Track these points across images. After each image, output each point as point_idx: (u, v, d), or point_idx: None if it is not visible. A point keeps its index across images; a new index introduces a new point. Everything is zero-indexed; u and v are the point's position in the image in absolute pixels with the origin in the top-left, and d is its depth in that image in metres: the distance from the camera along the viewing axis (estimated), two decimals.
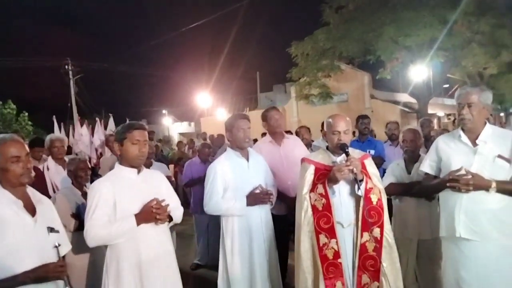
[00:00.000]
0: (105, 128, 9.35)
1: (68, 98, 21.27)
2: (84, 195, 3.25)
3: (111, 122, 9.26)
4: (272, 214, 3.11)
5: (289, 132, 7.36)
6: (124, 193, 2.33)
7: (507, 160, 2.37)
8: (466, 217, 2.37)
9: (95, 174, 4.43)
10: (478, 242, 2.35)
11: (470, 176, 2.31)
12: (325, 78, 15.94)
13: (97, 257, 3.00)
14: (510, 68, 14.58)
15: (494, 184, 2.30)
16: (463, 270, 2.39)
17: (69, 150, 8.21)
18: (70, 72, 21.68)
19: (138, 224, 2.27)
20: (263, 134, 5.55)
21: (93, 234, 2.23)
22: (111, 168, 2.51)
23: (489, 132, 2.44)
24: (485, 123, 2.47)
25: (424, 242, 3.15)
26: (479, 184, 2.31)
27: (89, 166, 3.43)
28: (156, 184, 2.51)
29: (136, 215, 2.28)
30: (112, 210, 2.28)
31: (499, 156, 2.38)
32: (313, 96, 16.30)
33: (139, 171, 2.44)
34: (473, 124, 2.43)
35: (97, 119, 9.54)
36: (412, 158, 3.27)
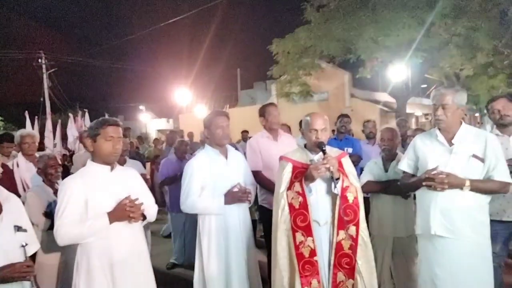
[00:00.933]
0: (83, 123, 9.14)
1: (41, 92, 20.67)
2: (56, 192, 3.15)
3: (86, 117, 9.04)
4: (265, 208, 3.08)
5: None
6: (96, 190, 2.26)
7: (481, 160, 2.41)
8: (441, 215, 2.41)
9: (67, 171, 4.30)
10: (452, 239, 2.39)
11: (445, 175, 2.34)
12: (306, 76, 16.04)
13: (68, 256, 2.91)
14: (485, 70, 15.01)
15: (468, 183, 2.34)
16: (437, 266, 2.42)
17: (43, 147, 7.99)
18: (44, 66, 21.06)
19: (111, 222, 2.21)
20: (244, 132, 5.51)
21: (63, 233, 2.16)
22: (84, 165, 2.44)
23: (464, 132, 2.49)
24: (461, 123, 2.51)
25: (399, 239, 3.20)
26: (454, 183, 2.35)
27: (59, 163, 3.31)
28: (129, 182, 2.44)
29: (108, 213, 2.21)
30: (84, 208, 2.21)
31: (474, 156, 2.42)
32: (294, 94, 16.37)
33: (112, 168, 2.37)
34: (448, 125, 2.47)
35: (70, 115, 9.30)
36: (389, 157, 3.32)
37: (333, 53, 14.37)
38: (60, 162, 3.37)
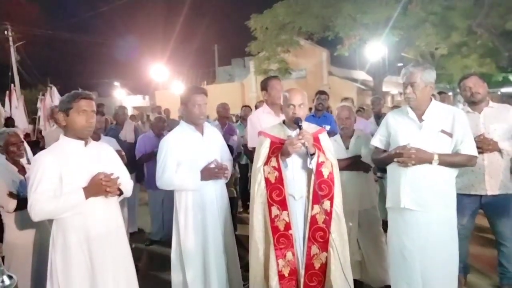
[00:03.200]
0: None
1: (9, 66, 19.70)
2: (21, 171, 3.06)
3: (55, 93, 8.71)
4: None
5: (248, 107, 7.31)
6: (70, 165, 2.21)
7: (449, 135, 2.49)
8: (410, 189, 2.49)
9: (39, 148, 4.16)
10: (421, 212, 2.48)
11: (414, 150, 2.41)
12: (284, 53, 15.95)
13: (43, 234, 2.87)
14: (459, 50, 15.30)
15: (436, 157, 2.42)
16: (406, 238, 2.52)
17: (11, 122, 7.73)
18: (10, 38, 20.02)
19: (86, 197, 2.17)
20: (220, 118, 5.41)
21: (38, 208, 2.11)
22: (56, 141, 2.37)
23: (434, 108, 2.55)
24: (431, 100, 2.58)
25: (365, 211, 3.32)
26: (423, 158, 2.43)
27: (21, 139, 3.16)
28: (104, 157, 2.40)
29: (84, 188, 2.18)
30: (58, 183, 2.17)
31: (442, 131, 2.50)
32: (272, 71, 16.30)
33: (86, 143, 2.32)
34: (417, 102, 2.53)
35: (50, 86, 8.96)
36: (348, 134, 3.40)
37: (312, 30, 14.33)
38: (22, 139, 3.20)
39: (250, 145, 3.59)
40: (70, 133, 2.28)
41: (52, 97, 8.59)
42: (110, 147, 2.56)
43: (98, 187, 2.19)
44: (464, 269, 3.23)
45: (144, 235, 5.29)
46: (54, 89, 8.76)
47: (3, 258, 2.00)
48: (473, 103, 3.15)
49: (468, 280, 3.39)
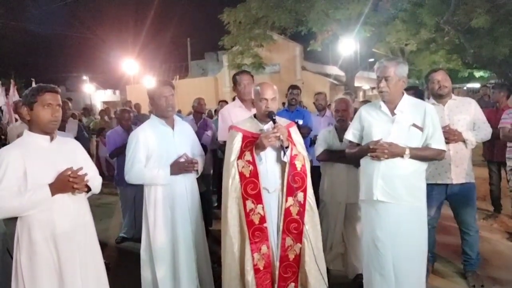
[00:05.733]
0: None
1: None
2: None
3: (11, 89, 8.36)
4: None
5: (225, 102, 7.26)
6: (35, 161, 2.12)
7: (420, 129, 2.55)
8: (382, 181, 2.54)
9: (2, 145, 3.98)
10: (392, 204, 2.53)
11: (387, 145, 2.46)
12: (257, 47, 15.93)
13: (7, 231, 2.75)
14: (427, 46, 15.76)
15: (407, 151, 2.48)
16: (378, 229, 2.57)
17: None
18: None
19: (53, 194, 2.09)
20: (195, 113, 5.34)
21: (1, 205, 2.02)
22: (20, 136, 2.27)
23: (406, 102, 2.60)
24: (403, 94, 2.62)
25: (351, 205, 3.36)
26: (395, 152, 2.48)
27: None
28: (71, 152, 2.32)
29: (50, 185, 2.10)
30: (22, 179, 2.07)
31: (414, 125, 2.55)
32: (246, 66, 16.25)
33: (52, 139, 2.23)
34: (390, 96, 2.57)
35: (12, 81, 8.57)
36: (343, 127, 3.40)
37: (285, 25, 14.37)
38: None
39: (220, 138, 3.59)
40: (35, 127, 2.19)
41: (13, 92, 8.25)
42: (77, 142, 2.48)
43: (64, 183, 2.12)
44: (431, 257, 3.34)
45: (114, 233, 5.17)
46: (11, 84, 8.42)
47: None
48: (439, 96, 3.24)
49: (434, 268, 3.51)
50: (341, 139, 3.37)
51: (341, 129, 3.41)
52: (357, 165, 3.27)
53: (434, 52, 16.52)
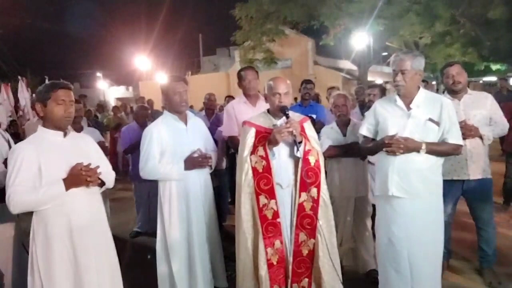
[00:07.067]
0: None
1: None
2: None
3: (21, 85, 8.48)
4: None
5: (232, 97, 7.25)
6: (49, 156, 2.15)
7: (437, 123, 2.50)
8: (398, 176, 2.50)
9: (18, 140, 4.04)
10: (408, 199, 2.50)
11: (403, 140, 2.42)
12: (269, 42, 15.87)
13: (23, 226, 2.79)
14: (443, 39, 15.46)
15: (424, 146, 2.44)
16: (394, 225, 2.54)
17: None
18: None
19: (67, 189, 2.12)
20: (207, 109, 5.36)
21: (17, 200, 2.05)
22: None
23: (422, 96, 2.55)
24: (419, 88, 2.58)
25: (360, 199, 3.36)
26: (411, 146, 2.44)
27: None
28: (84, 148, 2.35)
29: (64, 180, 2.12)
30: (37, 175, 2.10)
31: (430, 120, 2.50)
32: (258, 61, 16.21)
33: (65, 134, 2.26)
34: (406, 90, 2.53)
35: (19, 77, 8.70)
36: (344, 122, 3.41)
37: (297, 19, 14.28)
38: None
39: (224, 133, 3.64)
40: (49, 123, 2.22)
41: (25, 90, 8.39)
42: (90, 138, 2.51)
43: (78, 177, 2.14)
44: (447, 254, 3.29)
45: (127, 228, 5.23)
46: (23, 81, 8.55)
47: None
48: (454, 91, 3.18)
49: (450, 265, 3.46)
50: (344, 133, 3.37)
51: (342, 124, 3.41)
52: (364, 158, 3.31)
53: (449, 45, 16.19)
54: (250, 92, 3.52)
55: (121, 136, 4.95)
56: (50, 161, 2.14)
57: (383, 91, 3.72)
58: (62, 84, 2.22)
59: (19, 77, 8.76)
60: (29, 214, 2.19)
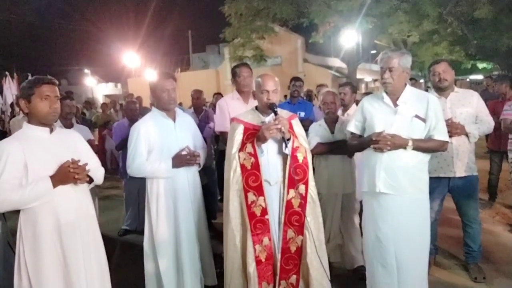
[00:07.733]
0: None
1: None
2: None
3: (8, 81, 8.34)
4: None
5: (220, 94, 7.23)
6: (35, 153, 2.11)
7: (423, 120, 2.53)
8: (385, 173, 2.52)
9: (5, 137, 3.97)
10: (395, 195, 2.52)
11: (390, 137, 2.44)
12: (259, 39, 15.83)
13: (9, 225, 2.75)
14: (430, 37, 15.63)
15: (411, 143, 2.46)
16: (380, 221, 2.56)
17: None
18: None
19: (54, 186, 2.08)
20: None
21: (3, 199, 2.01)
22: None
23: (408, 93, 2.58)
24: (405, 85, 2.60)
25: (347, 195, 3.38)
26: (398, 143, 2.46)
27: None
28: (72, 144, 2.31)
29: (51, 177, 2.09)
30: (23, 172, 2.06)
31: (416, 116, 2.53)
32: (247, 58, 16.15)
33: (51, 130, 2.22)
34: (394, 87, 2.55)
35: (7, 73, 8.55)
36: (333, 119, 3.43)
37: (286, 16, 14.25)
38: None
39: (217, 129, 3.66)
40: (34, 120, 2.18)
41: (10, 86, 8.25)
42: (77, 134, 2.47)
43: (65, 175, 2.11)
44: (434, 250, 3.33)
45: (115, 226, 5.18)
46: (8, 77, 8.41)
47: None
48: (440, 89, 3.21)
49: (436, 260, 3.50)
50: (332, 131, 3.40)
51: (330, 121, 3.44)
52: (351, 155, 3.33)
53: (436, 44, 16.38)
54: (243, 89, 3.53)
55: (113, 132, 4.90)
56: (36, 158, 2.10)
57: (354, 89, 3.76)
58: (46, 79, 2.18)
59: (7, 73, 8.59)
60: (16, 212, 2.16)
